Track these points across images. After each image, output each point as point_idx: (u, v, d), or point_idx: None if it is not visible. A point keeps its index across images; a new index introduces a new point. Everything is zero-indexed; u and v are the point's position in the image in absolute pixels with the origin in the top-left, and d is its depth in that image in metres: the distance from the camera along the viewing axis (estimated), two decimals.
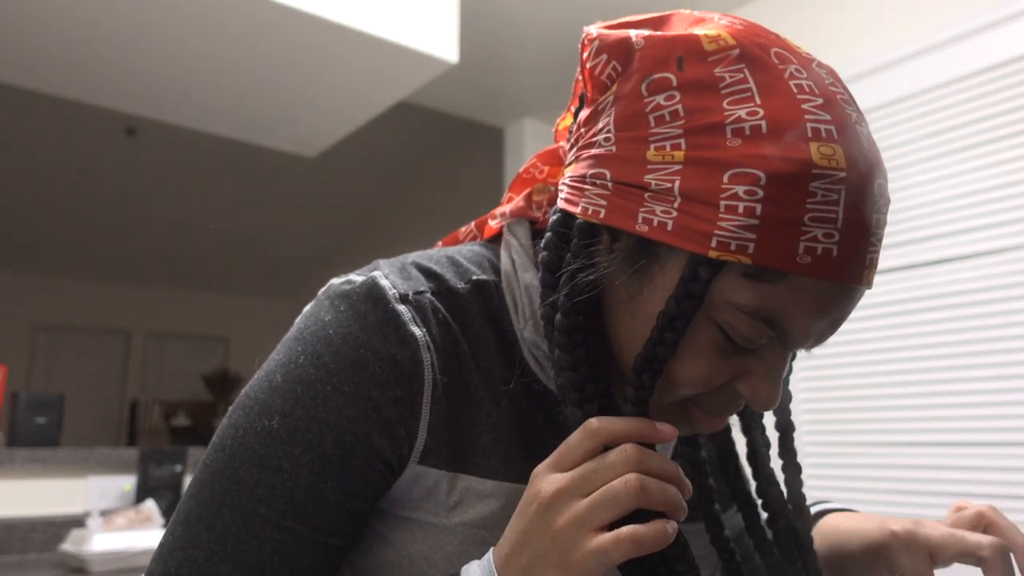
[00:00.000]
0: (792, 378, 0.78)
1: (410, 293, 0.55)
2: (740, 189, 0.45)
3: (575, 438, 0.48)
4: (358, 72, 2.44)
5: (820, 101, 0.46)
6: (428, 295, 0.56)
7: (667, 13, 0.54)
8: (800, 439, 2.28)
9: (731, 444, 0.65)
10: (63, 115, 4.19)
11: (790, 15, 2.54)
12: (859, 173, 0.45)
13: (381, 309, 0.53)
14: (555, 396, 0.58)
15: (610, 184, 0.50)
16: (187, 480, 2.17)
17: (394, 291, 0.54)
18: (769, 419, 0.64)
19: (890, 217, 2.16)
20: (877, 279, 2.17)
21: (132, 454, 2.12)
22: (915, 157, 2.14)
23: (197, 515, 0.52)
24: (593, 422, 0.48)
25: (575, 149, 0.54)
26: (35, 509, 1.96)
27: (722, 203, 0.45)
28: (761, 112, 0.46)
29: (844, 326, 1.95)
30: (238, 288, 7.16)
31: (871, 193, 0.46)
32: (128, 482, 2.10)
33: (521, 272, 0.59)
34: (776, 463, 0.62)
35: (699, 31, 0.49)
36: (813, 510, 0.71)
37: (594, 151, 0.51)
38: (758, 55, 0.48)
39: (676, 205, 0.47)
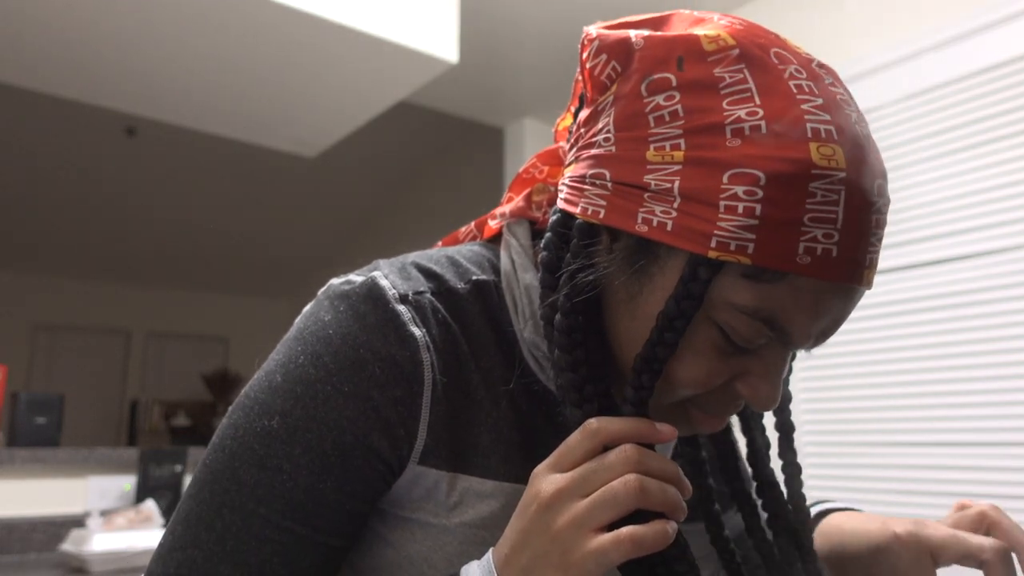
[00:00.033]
0: (792, 378, 0.78)
1: (410, 293, 0.55)
2: (740, 189, 0.45)
3: (575, 438, 0.48)
4: (358, 72, 2.44)
5: (820, 101, 0.46)
6: (428, 295, 0.56)
7: (667, 13, 0.54)
8: (800, 439, 2.28)
9: (731, 444, 0.65)
10: (63, 115, 4.19)
11: (790, 15, 2.54)
12: (859, 173, 0.45)
13: (381, 309, 0.53)
14: (555, 396, 0.58)
15: (610, 184, 0.50)
16: (187, 480, 2.17)
17: (394, 291, 0.54)
18: (769, 419, 0.64)
19: (890, 217, 2.16)
20: (877, 279, 2.17)
21: (132, 454, 2.12)
22: (915, 157, 2.14)
23: (196, 515, 0.52)
24: (593, 422, 0.48)
25: (575, 149, 0.54)
26: (35, 509, 1.96)
27: (722, 203, 0.45)
28: (761, 112, 0.46)
29: (844, 326, 1.96)
30: (238, 288, 7.16)
31: (871, 193, 0.46)
32: (128, 482, 2.10)
33: (521, 272, 0.59)
34: (776, 463, 0.62)
35: (699, 31, 0.49)
36: (815, 510, 0.70)
37: (594, 151, 0.51)
38: (758, 55, 0.48)
39: (676, 205, 0.47)
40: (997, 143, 1.98)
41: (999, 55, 1.99)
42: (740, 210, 0.44)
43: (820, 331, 0.49)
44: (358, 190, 5.49)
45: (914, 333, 2.09)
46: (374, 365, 0.52)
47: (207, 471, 0.53)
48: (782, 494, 0.62)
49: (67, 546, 1.76)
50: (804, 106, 0.46)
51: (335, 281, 0.58)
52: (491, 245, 0.65)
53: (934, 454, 2.01)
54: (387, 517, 0.56)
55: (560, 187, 0.55)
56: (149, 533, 1.82)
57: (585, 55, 0.53)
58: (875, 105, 2.24)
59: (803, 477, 0.63)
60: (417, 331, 0.53)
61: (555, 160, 0.64)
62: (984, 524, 0.58)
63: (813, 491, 2.18)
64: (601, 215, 0.50)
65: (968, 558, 0.55)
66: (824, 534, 0.66)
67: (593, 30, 0.53)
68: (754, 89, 0.46)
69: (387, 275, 0.56)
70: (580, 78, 0.57)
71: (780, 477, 0.63)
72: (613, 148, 0.50)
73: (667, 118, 0.48)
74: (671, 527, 0.45)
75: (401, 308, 0.54)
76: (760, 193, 0.44)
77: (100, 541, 1.71)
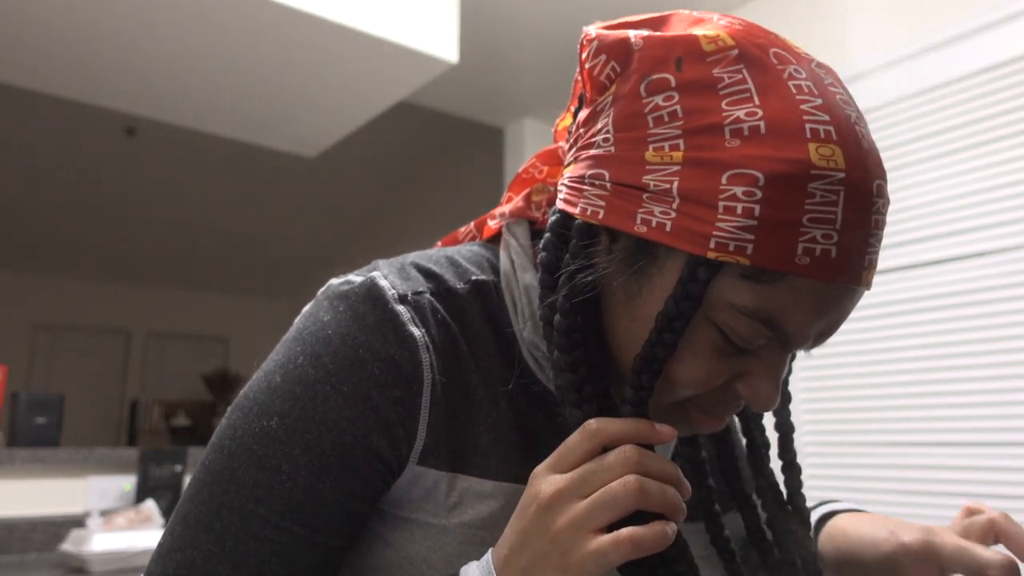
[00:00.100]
0: (792, 378, 0.78)
1: (409, 293, 0.55)
2: (738, 190, 0.44)
3: (574, 439, 0.48)
4: (358, 72, 2.44)
5: (819, 101, 0.46)
6: (427, 295, 0.56)
7: (666, 13, 0.54)
8: (800, 439, 2.28)
9: (731, 444, 0.65)
10: (63, 115, 4.19)
11: (789, 15, 2.54)
12: (858, 174, 0.45)
13: (380, 309, 0.53)
14: (554, 397, 0.58)
15: (609, 185, 0.50)
16: (187, 480, 2.17)
17: (393, 291, 0.54)
18: (769, 419, 0.64)
19: (890, 217, 2.16)
20: (877, 279, 2.17)
21: (132, 454, 2.12)
22: (915, 157, 2.14)
23: (195, 516, 0.52)
24: (592, 423, 0.47)
25: (574, 149, 0.54)
26: (35, 509, 1.96)
27: (720, 204, 0.45)
28: (760, 113, 0.46)
29: (844, 326, 1.96)
30: (238, 288, 7.16)
31: (870, 194, 0.46)
32: (128, 482, 2.10)
33: (520, 272, 0.59)
34: (776, 463, 0.62)
35: (698, 31, 0.49)
36: (821, 511, 0.70)
37: (593, 152, 0.51)
38: (757, 55, 0.48)
39: (675, 206, 0.46)
40: (997, 143, 1.98)
41: (999, 55, 1.99)
42: (739, 211, 0.44)
43: (819, 331, 0.49)
44: (358, 190, 5.49)
45: (914, 333, 2.09)
46: (373, 365, 0.52)
47: (206, 472, 0.53)
48: (782, 494, 0.62)
49: (67, 546, 1.76)
50: (803, 106, 0.46)
51: (334, 281, 0.58)
52: (490, 245, 0.65)
53: (934, 454, 2.01)
54: (386, 517, 0.56)
55: (559, 187, 0.55)
56: (149, 533, 1.82)
57: (584, 55, 0.53)
58: (875, 105, 2.24)
59: (803, 477, 0.63)
60: (416, 331, 0.53)
61: (554, 160, 0.64)
62: (993, 533, 0.58)
63: (813, 491, 2.18)
64: (600, 216, 0.50)
65: (976, 573, 0.55)
66: (830, 538, 0.66)
67: (592, 30, 0.53)
68: (753, 89, 0.46)
69: (386, 275, 0.56)
70: (579, 78, 0.57)
71: (780, 477, 0.62)
72: (612, 148, 0.50)
73: (666, 118, 0.48)
74: (670, 528, 0.45)
75: (400, 308, 0.54)
76: (759, 194, 0.44)
77: (100, 541, 1.71)
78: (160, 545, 0.53)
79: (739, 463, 0.65)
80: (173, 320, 6.99)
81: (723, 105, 0.46)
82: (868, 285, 0.48)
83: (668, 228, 0.47)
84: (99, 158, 4.93)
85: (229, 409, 0.55)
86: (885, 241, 2.15)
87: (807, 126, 0.45)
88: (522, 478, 0.54)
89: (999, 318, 1.93)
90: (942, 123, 2.09)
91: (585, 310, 0.52)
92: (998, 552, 0.55)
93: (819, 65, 0.50)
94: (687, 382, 0.50)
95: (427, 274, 0.58)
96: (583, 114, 0.54)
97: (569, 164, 0.54)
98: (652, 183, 0.47)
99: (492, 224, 0.66)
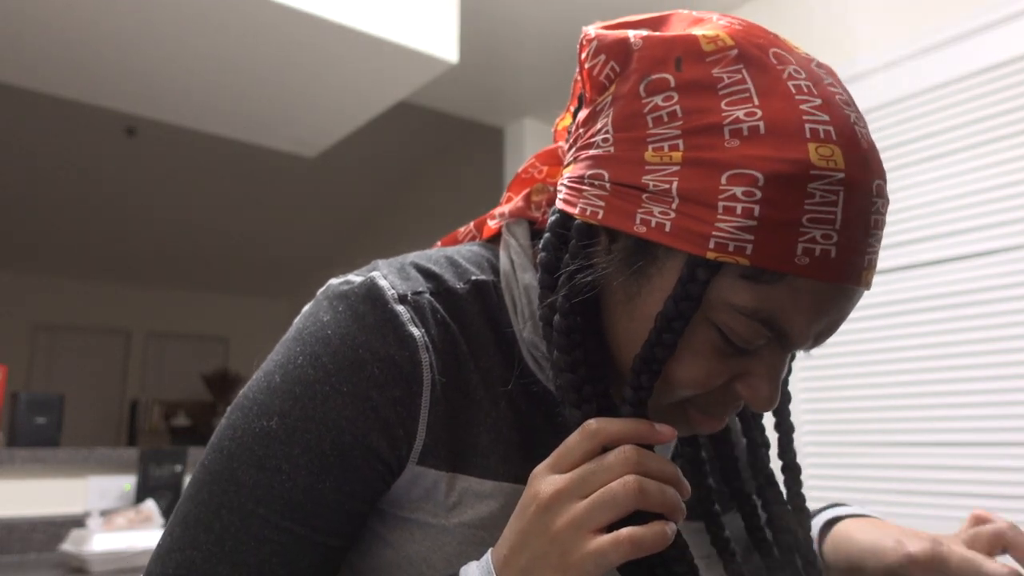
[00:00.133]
0: (792, 378, 0.78)
1: (409, 293, 0.55)
2: (738, 190, 0.44)
3: (574, 439, 0.48)
4: (358, 72, 2.44)
5: (818, 102, 0.46)
6: (427, 295, 0.56)
7: (666, 13, 0.54)
8: (800, 439, 2.28)
9: (731, 444, 0.65)
10: (63, 115, 4.19)
11: (789, 15, 2.54)
12: (858, 174, 0.45)
13: (380, 309, 0.53)
14: (554, 397, 0.58)
15: (608, 185, 0.50)
16: (187, 480, 2.17)
17: (393, 291, 0.54)
18: (769, 419, 0.64)
19: (890, 217, 2.16)
20: (877, 279, 2.17)
21: (132, 454, 2.12)
22: (915, 157, 2.14)
23: (195, 516, 0.52)
24: (592, 423, 0.47)
25: (573, 150, 0.54)
26: (35, 509, 1.96)
27: (720, 204, 0.45)
28: (759, 113, 0.45)
29: (844, 326, 1.95)
30: (238, 288, 7.16)
31: (870, 194, 0.46)
32: (128, 482, 2.10)
33: (520, 272, 0.59)
34: (776, 463, 0.62)
35: (697, 31, 0.49)
36: (827, 515, 0.70)
37: (592, 152, 0.51)
38: (756, 55, 0.48)
39: (674, 206, 0.46)
40: (997, 143, 1.98)
41: (999, 55, 1.99)
42: (738, 211, 0.44)
43: (819, 332, 0.49)
44: (358, 190, 5.49)
45: (914, 333, 2.09)
46: (373, 365, 0.52)
47: (205, 472, 0.53)
48: (782, 494, 0.62)
49: (67, 546, 1.76)
50: (803, 106, 0.46)
51: (334, 281, 0.58)
52: (490, 245, 0.65)
53: (934, 454, 2.01)
54: (386, 517, 0.56)
55: (559, 187, 0.55)
56: (149, 533, 1.82)
57: (584, 55, 0.53)
58: (875, 105, 2.24)
59: (803, 477, 0.63)
60: (416, 331, 0.53)
61: (554, 160, 0.64)
62: (1000, 543, 0.58)
63: (813, 491, 2.18)
64: (599, 216, 0.50)
65: None
66: (835, 544, 0.66)
67: (592, 30, 0.53)
68: (752, 89, 0.46)
69: (386, 275, 0.56)
70: (579, 78, 0.57)
71: (780, 477, 0.62)
72: (611, 149, 0.50)
73: (665, 119, 0.48)
74: (670, 528, 0.45)
75: (400, 308, 0.54)
76: (758, 194, 0.44)
77: (100, 541, 1.71)
78: (160, 545, 0.53)
79: (739, 463, 0.65)
80: (173, 320, 7.00)
81: (722, 105, 0.46)
82: (868, 285, 0.48)
83: (667, 228, 0.47)
84: (99, 158, 4.93)
85: (229, 409, 0.55)
86: (885, 241, 2.15)
87: (807, 126, 0.45)
88: (522, 478, 0.53)
89: (999, 318, 1.93)
90: (942, 123, 2.09)
91: (585, 310, 0.52)
92: (1004, 564, 0.55)
93: (819, 65, 0.50)
94: (686, 382, 0.50)
95: (427, 274, 0.58)
96: (583, 114, 0.54)
97: (568, 164, 0.54)
98: (651, 183, 0.47)
99: (492, 224, 0.66)
